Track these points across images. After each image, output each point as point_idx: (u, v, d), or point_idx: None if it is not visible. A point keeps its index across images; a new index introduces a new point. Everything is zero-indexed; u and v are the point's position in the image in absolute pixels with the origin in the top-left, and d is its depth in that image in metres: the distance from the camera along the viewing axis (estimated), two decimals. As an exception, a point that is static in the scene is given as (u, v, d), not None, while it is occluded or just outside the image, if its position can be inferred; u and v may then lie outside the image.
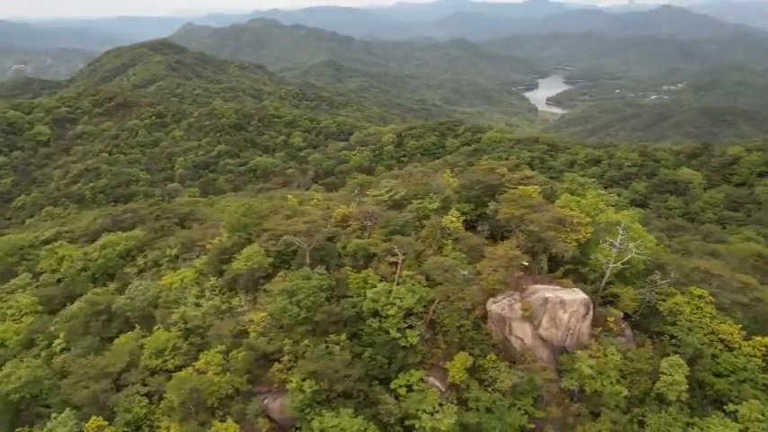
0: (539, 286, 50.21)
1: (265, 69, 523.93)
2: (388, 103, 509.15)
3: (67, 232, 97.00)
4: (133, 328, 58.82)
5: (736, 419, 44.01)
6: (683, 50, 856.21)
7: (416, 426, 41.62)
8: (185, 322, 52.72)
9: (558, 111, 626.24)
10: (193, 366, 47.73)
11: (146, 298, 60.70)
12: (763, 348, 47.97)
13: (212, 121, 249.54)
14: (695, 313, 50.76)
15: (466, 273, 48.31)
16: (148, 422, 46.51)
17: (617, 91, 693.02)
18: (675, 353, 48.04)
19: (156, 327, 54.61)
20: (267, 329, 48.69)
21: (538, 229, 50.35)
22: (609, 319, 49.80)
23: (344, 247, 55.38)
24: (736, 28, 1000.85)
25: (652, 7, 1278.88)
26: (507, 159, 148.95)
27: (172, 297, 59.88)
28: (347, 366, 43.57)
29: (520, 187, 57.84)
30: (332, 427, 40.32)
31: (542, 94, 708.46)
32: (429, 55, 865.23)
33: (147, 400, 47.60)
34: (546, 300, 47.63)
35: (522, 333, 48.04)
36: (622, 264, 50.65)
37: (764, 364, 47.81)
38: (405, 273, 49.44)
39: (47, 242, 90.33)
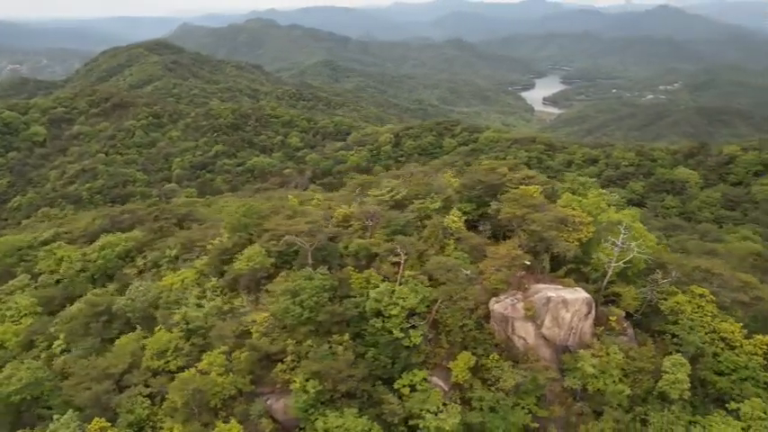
0: (541, 286, 50.30)
1: (262, 69, 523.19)
2: (385, 103, 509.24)
3: (66, 233, 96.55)
4: (134, 329, 58.58)
5: (738, 417, 44.15)
6: (679, 50, 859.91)
7: (421, 426, 41.61)
8: (187, 323, 52.56)
9: (555, 110, 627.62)
10: (196, 367, 47.59)
11: (146, 299, 60.47)
12: (765, 347, 48.10)
13: (209, 121, 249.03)
14: (696, 312, 50.94)
15: (469, 272, 48.36)
16: (151, 423, 46.32)
17: (613, 91, 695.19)
18: (677, 351, 48.17)
19: (158, 328, 54.40)
20: (270, 330, 48.57)
21: (540, 228, 50.43)
22: (611, 318, 49.93)
23: (346, 247, 55.31)
24: (731, 28, 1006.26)
25: (648, 7, 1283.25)
26: (505, 159, 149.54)
27: (173, 298, 59.66)
28: (351, 366, 43.55)
29: (521, 187, 57.90)
30: (336, 427, 40.28)
31: (539, 94, 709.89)
32: (426, 55, 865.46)
33: (149, 402, 47.41)
34: (548, 299, 47.72)
35: (524, 332, 48.10)
36: (624, 263, 50.80)
37: (766, 363, 47.97)
38: (407, 273, 49.42)
39: (45, 243, 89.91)
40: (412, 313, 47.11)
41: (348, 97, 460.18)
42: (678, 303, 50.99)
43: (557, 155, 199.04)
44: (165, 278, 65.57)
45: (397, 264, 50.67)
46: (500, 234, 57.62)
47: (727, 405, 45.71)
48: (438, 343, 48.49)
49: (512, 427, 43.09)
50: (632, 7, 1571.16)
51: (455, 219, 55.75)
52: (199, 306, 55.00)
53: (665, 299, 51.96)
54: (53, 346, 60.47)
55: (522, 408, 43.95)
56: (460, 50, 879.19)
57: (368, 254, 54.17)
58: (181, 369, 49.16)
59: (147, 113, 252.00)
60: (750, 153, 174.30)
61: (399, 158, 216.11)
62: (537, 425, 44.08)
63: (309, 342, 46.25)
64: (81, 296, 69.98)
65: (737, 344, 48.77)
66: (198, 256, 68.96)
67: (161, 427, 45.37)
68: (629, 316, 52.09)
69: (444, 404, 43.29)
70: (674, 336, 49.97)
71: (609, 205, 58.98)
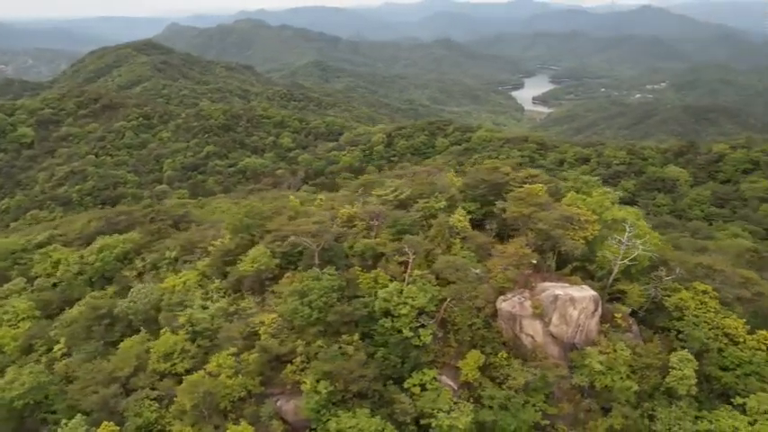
0: (548, 284, 50.57)
1: (253, 70, 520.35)
2: (377, 103, 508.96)
3: (61, 235, 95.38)
4: (137, 331, 57.83)
5: (744, 412, 44.75)
6: (664, 50, 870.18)
7: (433, 424, 41.65)
8: (192, 325, 52.12)
9: (545, 110, 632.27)
10: (205, 369, 47.20)
11: (148, 301, 59.86)
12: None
13: (200, 122, 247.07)
14: (700, 308, 51.43)
15: (478, 271, 48.51)
16: (159, 426, 45.83)
17: (602, 90, 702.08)
18: (682, 348, 48.69)
19: (163, 330, 53.84)
20: (278, 331, 48.34)
21: (546, 227, 50.74)
22: (616, 315, 50.33)
23: (351, 248, 55.20)
24: (715, 28, 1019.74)
25: (633, 7, 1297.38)
26: (497, 158, 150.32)
27: (175, 300, 59.07)
28: (362, 366, 43.48)
29: (526, 186, 58.17)
30: (350, 427, 40.18)
31: (528, 94, 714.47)
32: (416, 55, 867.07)
33: (157, 405, 46.93)
34: (556, 297, 48.01)
35: (532, 330, 48.35)
36: (629, 260, 51.26)
37: (769, 357, 48.69)
38: (415, 272, 49.46)
39: (40, 246, 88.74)
40: (420, 312, 47.15)
41: (339, 97, 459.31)
42: (682, 300, 51.49)
43: (549, 154, 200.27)
44: (167, 280, 64.88)
45: (403, 263, 50.71)
46: (505, 233, 57.88)
47: (732, 400, 46.28)
48: (446, 342, 48.61)
49: (523, 425, 43.30)
50: (618, 7, 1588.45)
51: (460, 218, 55.88)
52: (204, 308, 54.61)
53: (669, 295, 52.47)
54: (54, 350, 59.59)
55: (533, 405, 44.16)
56: (449, 50, 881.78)
57: (374, 254, 54.14)
58: (188, 371, 48.70)
59: (137, 114, 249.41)
60: (738, 151, 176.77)
61: (392, 158, 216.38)
62: (547, 422, 44.37)
63: (319, 343, 46.10)
64: (79, 299, 69.14)
65: (741, 339, 49.36)
66: (199, 258, 68.44)
67: (170, 431, 44.91)
68: (633, 313, 52.58)
69: (455, 403, 43.37)
70: (678, 332, 50.48)
71: (612, 203, 59.45)
